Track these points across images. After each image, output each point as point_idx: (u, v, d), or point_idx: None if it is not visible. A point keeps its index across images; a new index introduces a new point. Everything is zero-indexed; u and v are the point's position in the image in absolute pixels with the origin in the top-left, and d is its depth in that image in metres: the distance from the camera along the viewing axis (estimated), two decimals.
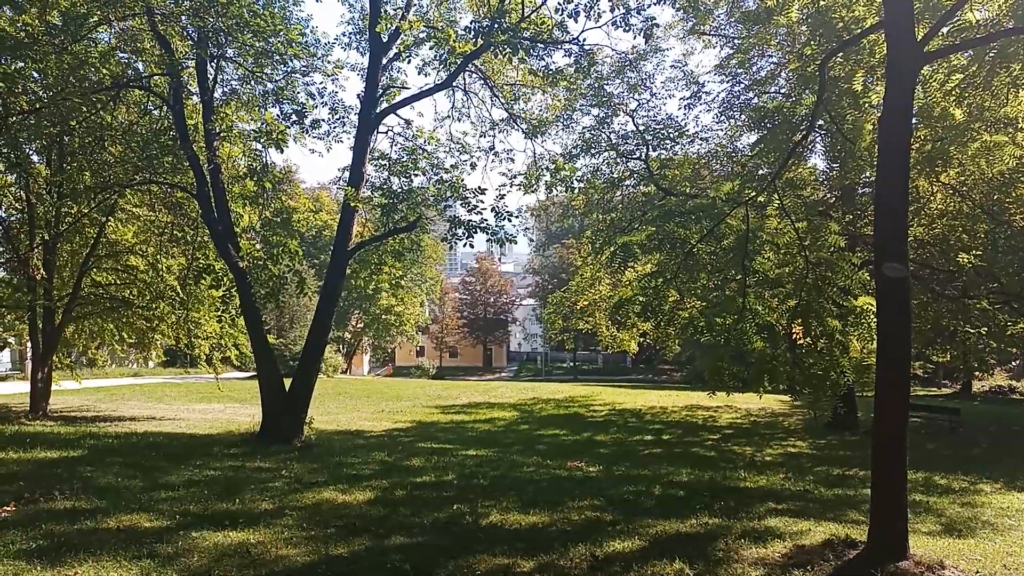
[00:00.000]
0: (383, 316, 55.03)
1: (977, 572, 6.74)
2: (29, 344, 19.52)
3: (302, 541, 7.03)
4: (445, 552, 6.92)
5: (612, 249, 13.33)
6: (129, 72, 15.66)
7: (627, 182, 22.68)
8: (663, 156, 21.89)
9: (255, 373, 16.77)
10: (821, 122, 12.50)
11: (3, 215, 19.04)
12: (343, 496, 9.19)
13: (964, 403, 34.66)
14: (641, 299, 12.92)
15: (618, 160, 22.48)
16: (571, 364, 72.73)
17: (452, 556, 6.80)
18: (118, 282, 19.67)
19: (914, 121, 11.62)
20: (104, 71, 14.59)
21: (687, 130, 20.61)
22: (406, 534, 7.55)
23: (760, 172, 13.63)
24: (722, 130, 21.99)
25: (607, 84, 21.24)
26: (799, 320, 11.53)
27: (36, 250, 17.46)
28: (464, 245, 15.48)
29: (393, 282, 15.42)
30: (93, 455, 11.54)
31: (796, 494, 10.91)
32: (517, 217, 15.83)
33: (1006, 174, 15.72)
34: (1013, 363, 47.97)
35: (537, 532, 7.86)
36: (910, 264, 19.75)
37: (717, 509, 9.26)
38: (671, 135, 20.72)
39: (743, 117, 18.83)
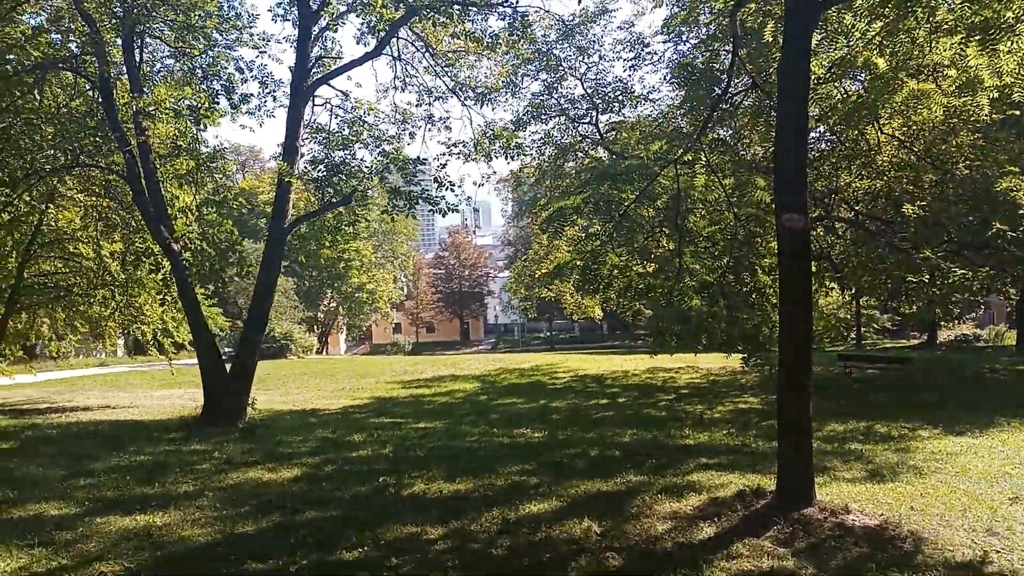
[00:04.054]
0: (355, 294, 54.73)
1: (881, 515, 6.81)
2: None
3: (210, 521, 6.96)
4: (355, 524, 6.89)
5: (548, 214, 13.21)
6: (64, 53, 15.22)
7: (579, 147, 22.51)
8: (613, 120, 21.73)
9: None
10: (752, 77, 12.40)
11: None
12: (269, 475, 9.11)
13: (927, 353, 35.18)
14: (579, 263, 12.83)
15: (568, 125, 22.30)
16: (548, 334, 72.91)
17: (363, 527, 6.77)
18: (65, 270, 19.28)
19: (837, 71, 11.54)
20: (36, 53, 14.14)
21: (634, 91, 20.44)
22: (322, 509, 7.50)
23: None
24: (672, 91, 21.84)
25: (555, 48, 20.96)
26: (731, 276, 11.54)
27: None
28: (406, 216, 15.32)
29: (336, 256, 15.20)
30: (25, 446, 11.37)
31: (732, 448, 10.98)
32: (459, 187, 15.63)
33: (947, 123, 15.75)
34: (977, 312, 48.68)
35: (458, 500, 7.85)
36: (861, 216, 19.76)
37: (647, 467, 9.31)
38: (618, 97, 20.55)
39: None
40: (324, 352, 56.48)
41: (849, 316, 39.92)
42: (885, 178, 18.50)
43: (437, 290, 75.98)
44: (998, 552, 5.88)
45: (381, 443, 11.59)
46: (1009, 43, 7.46)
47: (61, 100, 16.14)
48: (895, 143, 17.59)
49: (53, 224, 18.15)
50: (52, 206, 17.94)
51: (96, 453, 10.68)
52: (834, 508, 6.76)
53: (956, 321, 45.40)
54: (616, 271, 13.20)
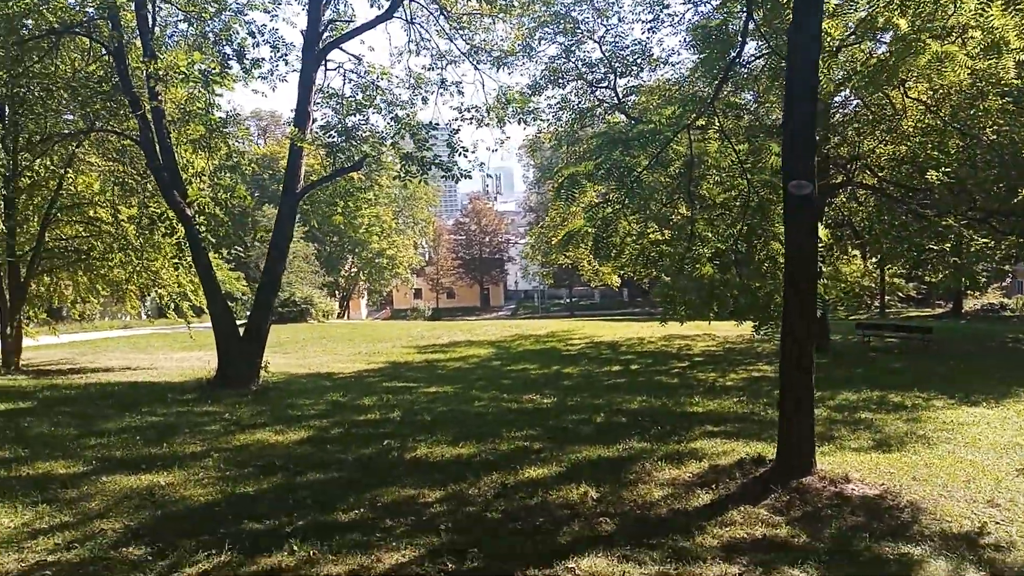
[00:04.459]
0: (376, 259, 54.95)
1: (882, 484, 6.75)
2: None
3: (213, 481, 7.07)
4: (356, 486, 6.96)
5: (560, 180, 13.05)
6: (79, 18, 15.24)
7: (596, 111, 22.20)
8: (631, 84, 21.37)
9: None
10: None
11: None
12: (276, 437, 9.22)
13: (951, 322, 34.63)
14: (591, 231, 12.69)
15: (586, 89, 21.97)
16: (568, 300, 72.87)
17: (363, 489, 6.84)
18: (85, 234, 19.52)
19: (859, 32, 11.19)
20: (51, 18, 14.17)
21: (652, 54, 20.07)
22: (324, 471, 7.59)
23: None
24: (692, 54, 21.39)
25: (572, 10, 20.60)
26: (744, 244, 11.36)
27: None
28: (419, 182, 15.23)
29: (348, 221, 15.20)
30: (42, 406, 11.60)
31: (740, 416, 10.92)
32: (472, 152, 15.48)
33: (975, 87, 15.24)
34: (1006, 280, 47.67)
35: (460, 464, 7.89)
36: (885, 183, 19.30)
37: (651, 434, 9.28)
38: (637, 61, 20.19)
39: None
40: (345, 317, 56.94)
41: (873, 284, 39.28)
42: (910, 143, 18.04)
43: (457, 256, 76.06)
44: (997, 524, 5.80)
45: (390, 407, 11.69)
46: None
47: (78, 65, 16.20)
48: (921, 107, 17.10)
49: (72, 188, 18.34)
50: (71, 170, 18.12)
51: (110, 414, 10.88)
52: (834, 477, 6.70)
53: (982, 290, 44.55)
54: (628, 238, 13.05)
